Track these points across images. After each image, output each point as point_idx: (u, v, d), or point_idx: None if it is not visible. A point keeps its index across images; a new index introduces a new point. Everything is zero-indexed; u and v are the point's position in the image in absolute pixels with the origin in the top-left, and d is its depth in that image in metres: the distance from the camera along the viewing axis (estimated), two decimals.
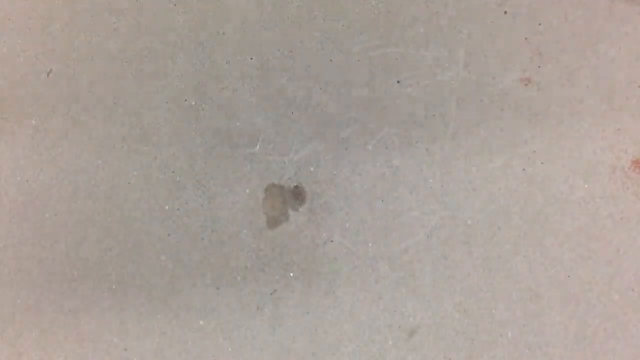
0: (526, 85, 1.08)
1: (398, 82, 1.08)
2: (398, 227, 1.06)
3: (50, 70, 1.10)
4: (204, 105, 1.08)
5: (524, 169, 1.06)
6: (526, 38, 1.09)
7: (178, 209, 1.07)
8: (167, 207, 1.07)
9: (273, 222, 1.07)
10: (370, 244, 1.06)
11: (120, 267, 1.06)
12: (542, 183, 1.06)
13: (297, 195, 1.07)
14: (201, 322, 1.05)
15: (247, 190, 1.07)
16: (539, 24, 1.09)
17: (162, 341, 1.05)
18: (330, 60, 1.09)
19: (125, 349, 1.05)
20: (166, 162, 1.08)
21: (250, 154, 1.08)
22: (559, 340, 1.03)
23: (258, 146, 1.08)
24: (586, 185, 1.06)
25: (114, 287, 1.06)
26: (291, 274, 1.06)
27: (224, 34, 1.10)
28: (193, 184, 1.07)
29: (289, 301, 1.05)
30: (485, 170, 1.07)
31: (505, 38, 1.09)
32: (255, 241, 1.06)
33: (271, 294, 1.05)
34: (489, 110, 1.07)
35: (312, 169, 1.08)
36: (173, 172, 1.08)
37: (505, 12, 1.09)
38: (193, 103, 1.09)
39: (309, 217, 1.07)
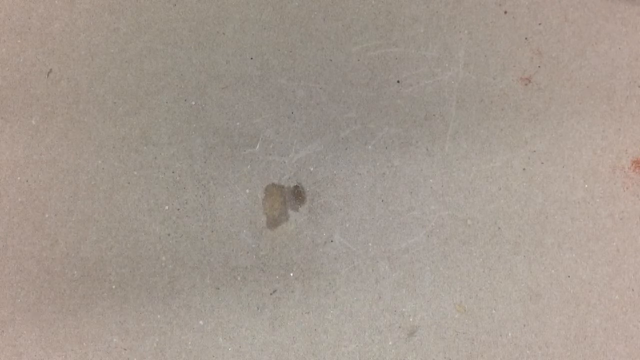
0: (526, 85, 1.08)
1: (398, 82, 1.08)
2: (398, 227, 1.06)
3: (50, 70, 1.10)
4: (204, 105, 1.08)
5: (524, 169, 1.06)
6: (526, 38, 1.09)
7: (178, 209, 1.07)
8: (167, 207, 1.07)
9: (273, 222, 1.07)
10: (370, 244, 1.06)
11: (120, 267, 1.06)
12: (542, 183, 1.06)
13: (297, 195, 1.07)
14: (201, 322, 1.05)
15: (247, 190, 1.07)
16: (539, 24, 1.09)
17: (162, 341, 1.05)
18: (330, 60, 1.09)
19: (125, 349, 1.05)
20: (166, 162, 1.08)
21: (250, 154, 1.08)
22: (559, 340, 1.03)
23: (258, 146, 1.08)
24: (586, 185, 1.06)
25: (114, 287, 1.06)
26: (291, 274, 1.06)
27: (224, 34, 1.10)
28: (193, 184, 1.07)
29: (289, 301, 1.05)
30: (485, 170, 1.07)
31: (505, 38, 1.09)
32: (255, 241, 1.06)
33: (271, 294, 1.05)
34: (489, 110, 1.07)
35: (312, 169, 1.08)
36: (173, 172, 1.08)
37: (505, 12, 1.09)
38: (193, 103, 1.09)
39: (309, 217, 1.07)
